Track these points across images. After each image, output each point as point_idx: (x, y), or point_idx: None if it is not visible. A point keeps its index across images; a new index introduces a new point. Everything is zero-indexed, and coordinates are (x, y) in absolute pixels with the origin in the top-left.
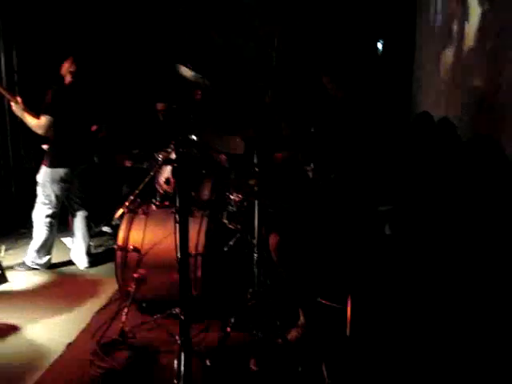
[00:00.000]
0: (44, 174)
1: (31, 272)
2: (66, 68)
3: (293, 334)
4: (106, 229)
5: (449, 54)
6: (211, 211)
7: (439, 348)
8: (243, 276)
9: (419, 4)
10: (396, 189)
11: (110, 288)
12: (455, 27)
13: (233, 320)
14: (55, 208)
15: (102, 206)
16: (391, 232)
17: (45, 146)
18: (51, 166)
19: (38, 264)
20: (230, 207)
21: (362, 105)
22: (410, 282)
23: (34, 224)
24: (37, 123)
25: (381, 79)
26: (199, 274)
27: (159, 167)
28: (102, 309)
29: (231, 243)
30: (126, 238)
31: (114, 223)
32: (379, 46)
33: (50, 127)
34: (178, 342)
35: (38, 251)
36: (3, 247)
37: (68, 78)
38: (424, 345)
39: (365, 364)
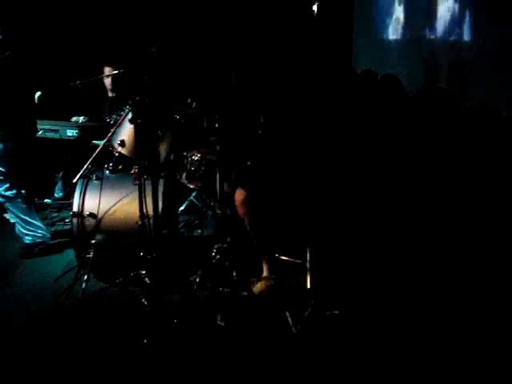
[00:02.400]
0: None
1: None
2: None
3: (257, 287)
4: (48, 201)
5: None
6: (169, 171)
7: (394, 296)
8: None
9: None
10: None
11: (63, 257)
12: None
13: (197, 278)
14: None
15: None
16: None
17: None
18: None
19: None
20: (189, 166)
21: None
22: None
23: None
24: None
25: (318, 41)
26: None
27: (114, 130)
28: (59, 277)
29: (188, 202)
30: (82, 205)
31: (56, 195)
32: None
33: None
34: (145, 303)
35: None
36: None
37: None
38: (383, 294)
39: (326, 313)
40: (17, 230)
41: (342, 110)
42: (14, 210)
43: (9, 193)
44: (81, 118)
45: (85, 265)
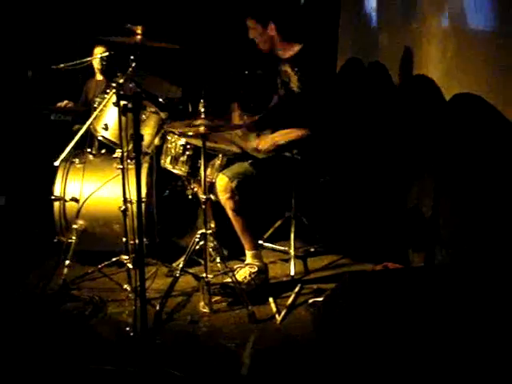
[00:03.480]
0: None
1: None
2: None
3: (241, 274)
4: None
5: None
6: (153, 156)
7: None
8: (188, 220)
9: None
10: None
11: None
12: None
13: (181, 264)
14: None
15: None
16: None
17: None
18: None
19: None
20: (174, 151)
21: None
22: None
23: None
24: None
25: (305, 28)
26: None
27: (97, 113)
28: (40, 264)
29: (171, 187)
30: (63, 189)
31: None
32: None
33: None
34: (128, 290)
35: None
36: None
37: None
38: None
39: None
40: None
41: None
42: None
43: None
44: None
45: (67, 250)
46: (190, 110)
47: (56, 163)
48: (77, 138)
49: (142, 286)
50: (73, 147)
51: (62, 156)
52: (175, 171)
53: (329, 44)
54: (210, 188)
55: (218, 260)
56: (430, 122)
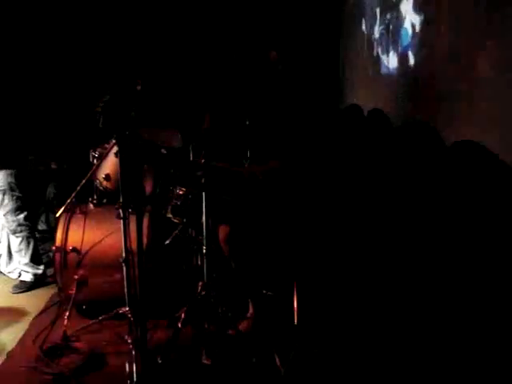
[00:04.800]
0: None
1: None
2: None
3: (244, 325)
4: None
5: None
6: (154, 206)
7: (384, 331)
8: (189, 271)
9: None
10: (330, 180)
11: (46, 293)
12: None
13: (183, 315)
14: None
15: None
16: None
17: None
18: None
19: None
20: (174, 201)
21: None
22: (354, 270)
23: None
24: None
25: (306, 75)
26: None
27: (99, 163)
28: (40, 314)
29: (172, 238)
30: (65, 239)
31: (40, 227)
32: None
33: None
34: (128, 341)
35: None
36: None
37: None
38: (371, 330)
39: (314, 351)
40: (13, 264)
41: (327, 147)
42: (26, 242)
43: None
44: None
45: (67, 301)
46: (191, 158)
47: (58, 214)
48: (78, 188)
49: (143, 339)
50: (74, 197)
51: (64, 207)
52: (176, 221)
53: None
54: (212, 237)
55: (219, 311)
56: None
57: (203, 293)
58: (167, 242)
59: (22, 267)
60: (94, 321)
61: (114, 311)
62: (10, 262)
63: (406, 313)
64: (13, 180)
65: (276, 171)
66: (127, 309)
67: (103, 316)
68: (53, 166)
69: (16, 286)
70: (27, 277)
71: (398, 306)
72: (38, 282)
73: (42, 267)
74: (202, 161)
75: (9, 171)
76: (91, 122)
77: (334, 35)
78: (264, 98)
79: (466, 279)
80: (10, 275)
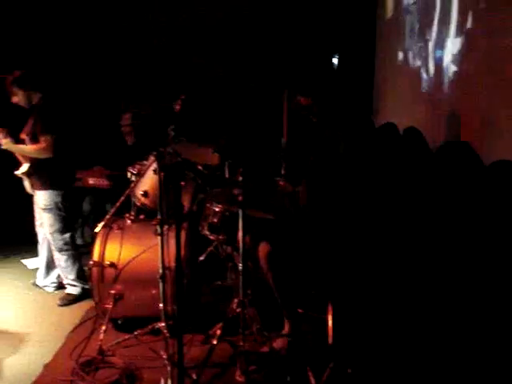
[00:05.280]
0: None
1: None
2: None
3: (278, 343)
4: None
5: (413, 66)
6: (190, 222)
7: (418, 351)
8: (223, 287)
9: (379, 19)
10: (367, 199)
11: (82, 306)
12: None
13: (218, 331)
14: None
15: None
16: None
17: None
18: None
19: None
20: (211, 218)
21: (329, 117)
22: (389, 291)
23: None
24: (39, 147)
25: (339, 93)
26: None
27: (137, 180)
28: (76, 328)
29: (206, 254)
30: (102, 254)
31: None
32: (335, 60)
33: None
34: (164, 357)
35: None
36: None
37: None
38: (403, 349)
39: (348, 370)
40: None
41: (363, 166)
42: (72, 260)
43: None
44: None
45: (103, 315)
46: (227, 176)
47: (96, 230)
48: (118, 204)
49: (179, 355)
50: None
51: (103, 222)
52: (213, 238)
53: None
54: (248, 254)
55: (255, 328)
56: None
57: (238, 310)
58: (201, 258)
59: (69, 281)
60: (129, 335)
61: (150, 326)
62: (46, 276)
63: (443, 336)
64: (60, 200)
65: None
66: (163, 324)
67: (139, 331)
68: (90, 182)
69: (63, 299)
70: (74, 290)
71: (434, 327)
72: (82, 296)
73: (87, 282)
74: (240, 178)
75: (57, 191)
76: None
77: (368, 54)
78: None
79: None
80: (46, 289)
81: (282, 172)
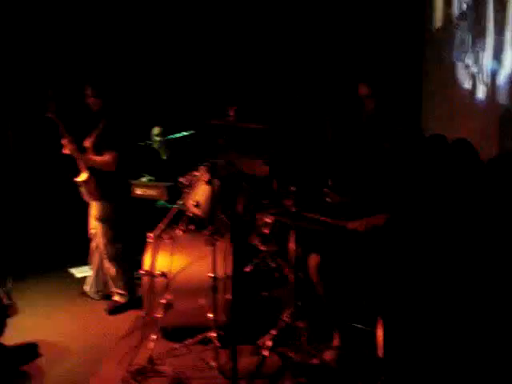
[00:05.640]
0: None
1: (44, 302)
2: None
3: (329, 356)
4: None
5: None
6: (238, 233)
7: (469, 365)
8: (272, 298)
9: (427, 30)
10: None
11: (129, 315)
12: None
13: (269, 342)
14: None
15: None
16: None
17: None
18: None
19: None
20: (262, 229)
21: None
22: (439, 305)
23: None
24: (104, 161)
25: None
26: (229, 297)
27: (189, 191)
28: (125, 336)
29: (254, 265)
30: (153, 264)
31: None
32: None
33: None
34: (214, 367)
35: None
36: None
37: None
38: (453, 361)
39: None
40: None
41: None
42: (123, 269)
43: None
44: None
45: (152, 323)
46: (276, 187)
47: (149, 240)
48: (171, 215)
49: (233, 366)
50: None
51: (155, 232)
52: (263, 248)
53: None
54: (299, 265)
55: (305, 340)
56: None
57: (289, 321)
58: (249, 268)
59: (117, 290)
60: (179, 345)
61: (201, 336)
62: (95, 284)
63: (500, 356)
64: (114, 211)
65: (380, 227)
66: (213, 334)
67: (189, 340)
68: (137, 192)
69: (110, 307)
70: (122, 299)
71: (490, 345)
72: (129, 306)
73: (135, 291)
74: (292, 188)
75: (112, 202)
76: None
77: (415, 64)
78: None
79: None
80: (94, 297)
81: (329, 183)
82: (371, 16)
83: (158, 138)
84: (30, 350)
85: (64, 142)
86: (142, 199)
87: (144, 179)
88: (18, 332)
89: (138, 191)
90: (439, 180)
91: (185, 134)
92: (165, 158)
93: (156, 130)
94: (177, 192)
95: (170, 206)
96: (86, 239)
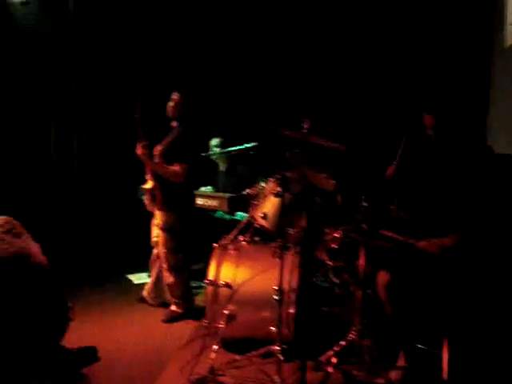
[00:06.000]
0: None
1: (101, 307)
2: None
3: (394, 375)
4: None
5: None
6: (307, 247)
7: None
8: (335, 313)
9: (495, 49)
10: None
11: (187, 324)
12: None
13: (334, 359)
14: None
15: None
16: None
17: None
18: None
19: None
20: (331, 243)
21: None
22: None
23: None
24: (174, 171)
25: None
26: (292, 311)
27: (256, 202)
28: (185, 344)
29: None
30: (217, 274)
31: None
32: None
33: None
34: (276, 381)
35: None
36: None
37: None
38: None
39: None
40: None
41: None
42: (182, 279)
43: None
44: (208, 188)
45: (214, 333)
46: (339, 202)
47: (214, 249)
48: (241, 226)
49: (302, 381)
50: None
51: (223, 242)
52: (330, 263)
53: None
54: (367, 282)
55: (369, 358)
56: None
57: (355, 338)
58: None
59: (175, 299)
60: (241, 356)
61: (264, 348)
62: (153, 292)
63: None
64: (178, 221)
65: (450, 248)
66: (277, 348)
67: (252, 352)
68: (198, 203)
69: (167, 316)
70: (179, 308)
71: None
72: (186, 315)
73: (192, 301)
74: (364, 204)
75: (177, 213)
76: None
77: (482, 84)
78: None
79: None
80: (151, 304)
81: (395, 201)
82: (440, 35)
83: (216, 149)
84: (89, 353)
85: (140, 145)
86: (201, 209)
87: (204, 189)
88: (76, 335)
89: (199, 201)
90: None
91: (247, 146)
92: (223, 169)
93: (215, 141)
94: (236, 203)
95: (228, 216)
96: (145, 246)
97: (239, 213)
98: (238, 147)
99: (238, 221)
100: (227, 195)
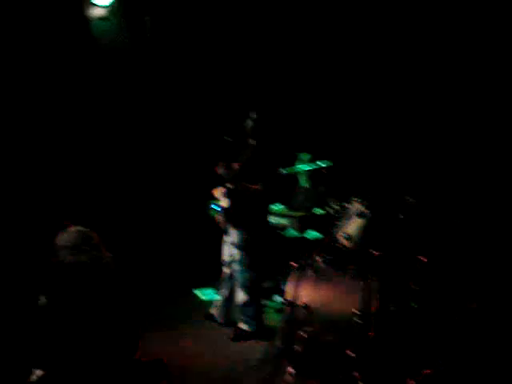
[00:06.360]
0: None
1: (169, 322)
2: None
3: None
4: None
5: None
6: (390, 270)
7: None
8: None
9: None
10: None
11: (256, 344)
12: None
13: None
14: None
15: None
16: None
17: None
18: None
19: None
20: (416, 268)
21: None
22: None
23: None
24: (257, 190)
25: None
26: (373, 335)
27: (339, 222)
28: (258, 364)
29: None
30: (295, 295)
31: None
32: None
33: None
34: None
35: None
36: None
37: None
38: None
39: None
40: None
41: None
42: (253, 297)
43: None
44: (279, 206)
45: (289, 356)
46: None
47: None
48: (320, 246)
49: None
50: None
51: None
52: (413, 287)
53: None
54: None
55: None
56: None
57: (441, 366)
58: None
59: (245, 318)
60: (317, 380)
61: (343, 374)
62: (223, 309)
63: None
64: (253, 239)
65: None
66: (356, 373)
67: (325, 377)
68: (271, 221)
69: (235, 334)
70: (248, 327)
71: None
72: (254, 334)
73: (262, 320)
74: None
75: (250, 231)
76: None
77: None
78: None
79: None
80: (219, 321)
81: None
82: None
83: (302, 165)
84: (160, 369)
85: (221, 163)
86: (272, 227)
87: (276, 208)
88: (144, 350)
89: (272, 219)
90: None
91: (321, 164)
92: (306, 185)
93: (303, 157)
94: (307, 222)
95: (299, 235)
96: (214, 263)
97: (310, 231)
98: (320, 165)
99: (308, 240)
100: (298, 214)
